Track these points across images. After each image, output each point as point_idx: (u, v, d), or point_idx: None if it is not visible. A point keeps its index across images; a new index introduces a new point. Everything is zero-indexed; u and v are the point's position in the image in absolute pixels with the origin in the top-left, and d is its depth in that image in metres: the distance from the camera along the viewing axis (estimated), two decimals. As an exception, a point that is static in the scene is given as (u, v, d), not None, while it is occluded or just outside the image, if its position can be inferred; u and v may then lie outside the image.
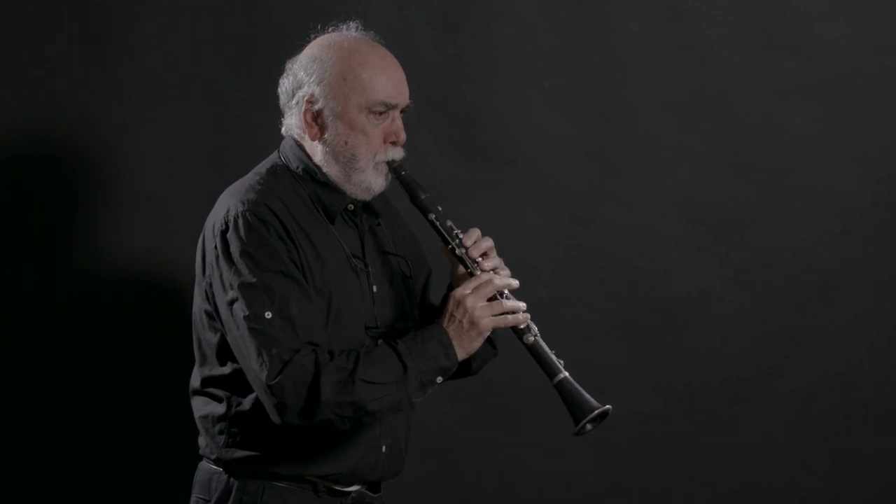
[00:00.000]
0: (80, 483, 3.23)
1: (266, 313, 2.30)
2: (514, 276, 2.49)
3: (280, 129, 2.56)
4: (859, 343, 3.42)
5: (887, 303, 3.42)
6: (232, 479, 2.46)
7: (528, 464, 3.39)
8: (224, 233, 2.38)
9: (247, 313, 2.31)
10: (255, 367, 2.30)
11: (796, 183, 3.39)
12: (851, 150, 3.38)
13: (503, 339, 2.68)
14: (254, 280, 2.32)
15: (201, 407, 2.50)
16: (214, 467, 2.49)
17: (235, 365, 2.41)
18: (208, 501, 2.48)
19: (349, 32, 2.53)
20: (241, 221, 2.37)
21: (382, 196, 2.59)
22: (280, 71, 2.53)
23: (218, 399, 2.47)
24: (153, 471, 3.22)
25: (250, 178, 2.49)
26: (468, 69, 3.33)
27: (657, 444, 3.41)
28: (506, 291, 2.44)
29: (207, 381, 2.48)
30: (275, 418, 2.32)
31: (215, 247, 2.39)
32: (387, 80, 2.46)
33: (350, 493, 2.53)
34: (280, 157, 2.54)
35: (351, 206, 2.53)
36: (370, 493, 2.58)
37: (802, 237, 3.39)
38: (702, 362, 3.40)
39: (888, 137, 3.38)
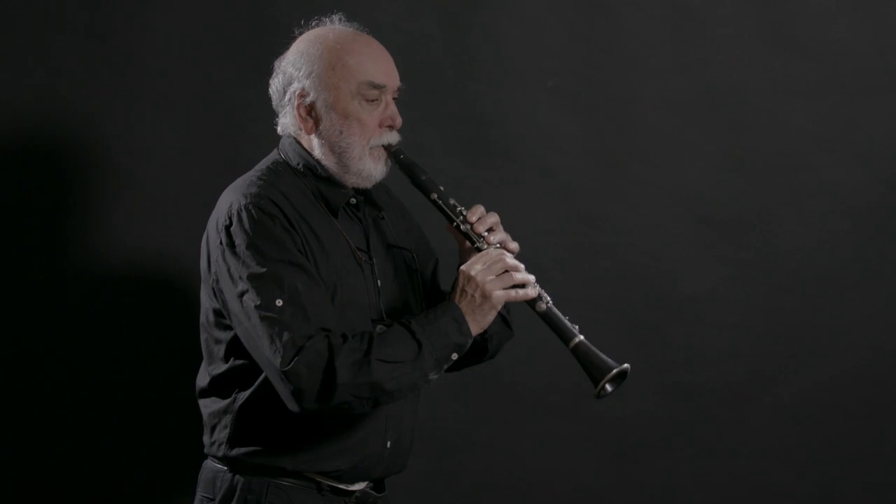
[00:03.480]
0: (85, 482, 3.21)
1: (277, 301, 2.29)
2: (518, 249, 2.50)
3: (276, 130, 2.57)
4: (866, 342, 3.41)
5: (894, 301, 3.41)
6: (237, 477, 2.44)
7: (533, 462, 3.38)
8: (228, 227, 2.37)
9: (258, 303, 2.29)
10: (268, 355, 2.29)
11: (803, 182, 3.39)
12: (858, 150, 3.38)
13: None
14: (262, 270, 2.31)
15: (209, 405, 2.49)
16: (219, 465, 2.47)
17: (239, 361, 2.40)
18: (213, 500, 2.46)
19: (333, 25, 2.55)
20: (244, 215, 2.36)
21: (386, 189, 2.60)
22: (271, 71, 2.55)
23: (225, 396, 2.45)
24: (158, 470, 3.21)
25: (251, 174, 2.50)
26: (476, 69, 3.34)
27: (663, 442, 3.40)
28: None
29: (215, 380, 2.47)
30: (292, 406, 2.29)
31: (220, 242, 2.38)
32: (375, 64, 2.47)
33: (354, 492, 2.50)
34: (280, 155, 2.54)
35: (353, 201, 2.53)
36: (374, 493, 2.56)
37: (809, 236, 3.39)
38: (708, 361, 3.39)
39: (895, 137, 3.37)
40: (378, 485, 2.59)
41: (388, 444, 2.50)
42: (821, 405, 3.41)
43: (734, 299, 3.38)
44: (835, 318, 3.40)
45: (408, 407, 2.53)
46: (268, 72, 2.61)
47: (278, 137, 2.57)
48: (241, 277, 2.33)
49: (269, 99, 2.58)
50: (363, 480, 2.52)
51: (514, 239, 2.55)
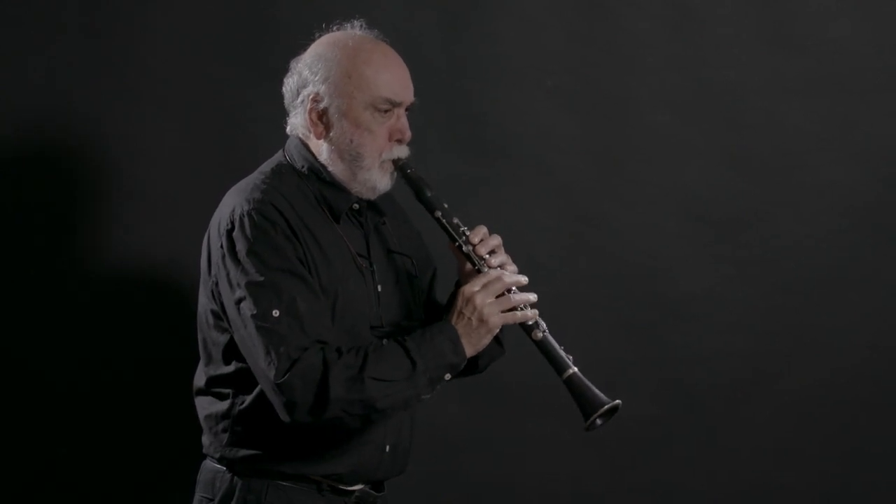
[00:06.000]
0: (84, 482, 3.22)
1: (274, 311, 2.29)
2: (518, 273, 2.49)
3: (285, 129, 2.56)
4: (864, 341, 3.41)
5: (892, 300, 3.41)
6: (236, 478, 2.44)
7: (533, 463, 3.38)
8: (230, 232, 2.37)
9: (254, 312, 2.30)
10: (263, 366, 2.29)
11: (801, 181, 3.39)
12: (856, 149, 3.38)
13: (510, 336, 2.67)
14: (261, 279, 2.31)
15: (206, 406, 2.49)
16: (218, 466, 2.47)
17: (240, 364, 2.40)
18: (212, 500, 2.46)
19: (353, 31, 2.54)
20: (246, 220, 2.36)
21: (388, 195, 2.59)
22: (286, 70, 2.53)
23: (222, 398, 2.46)
24: (157, 470, 3.21)
25: (255, 177, 2.49)
26: (474, 68, 3.34)
27: (662, 443, 3.40)
28: (513, 288, 2.44)
29: (212, 381, 2.47)
30: (284, 416, 2.31)
31: (221, 246, 2.38)
32: (392, 78, 2.46)
33: (354, 492, 2.51)
34: (285, 157, 2.54)
35: (356, 206, 2.53)
36: (373, 493, 2.57)
37: (806, 235, 3.39)
38: (705, 360, 3.39)
39: (893, 136, 3.38)
40: (377, 485, 2.59)
41: (387, 447, 2.51)
42: (819, 403, 3.41)
43: (732, 298, 3.38)
44: (833, 317, 3.40)
45: (406, 411, 2.53)
46: (268, 72, 2.62)
47: (280, 138, 2.57)
48: (239, 284, 2.33)
49: (270, 99, 2.59)
50: (363, 483, 2.53)
51: (512, 239, 2.55)
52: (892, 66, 3.36)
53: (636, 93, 3.37)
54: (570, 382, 2.42)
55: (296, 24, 2.65)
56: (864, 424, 3.42)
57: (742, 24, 3.36)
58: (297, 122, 2.52)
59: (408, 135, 2.50)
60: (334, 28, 2.55)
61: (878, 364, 3.41)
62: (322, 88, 2.45)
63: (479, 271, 2.47)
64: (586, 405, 2.40)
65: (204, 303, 2.48)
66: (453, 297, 2.47)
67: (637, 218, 3.38)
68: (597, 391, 2.41)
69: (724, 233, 3.39)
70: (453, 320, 2.40)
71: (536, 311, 2.45)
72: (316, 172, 2.49)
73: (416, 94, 2.54)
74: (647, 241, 3.38)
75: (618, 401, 2.41)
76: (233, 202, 2.41)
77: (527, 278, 2.46)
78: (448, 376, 2.39)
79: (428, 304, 2.72)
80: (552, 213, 3.37)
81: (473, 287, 2.41)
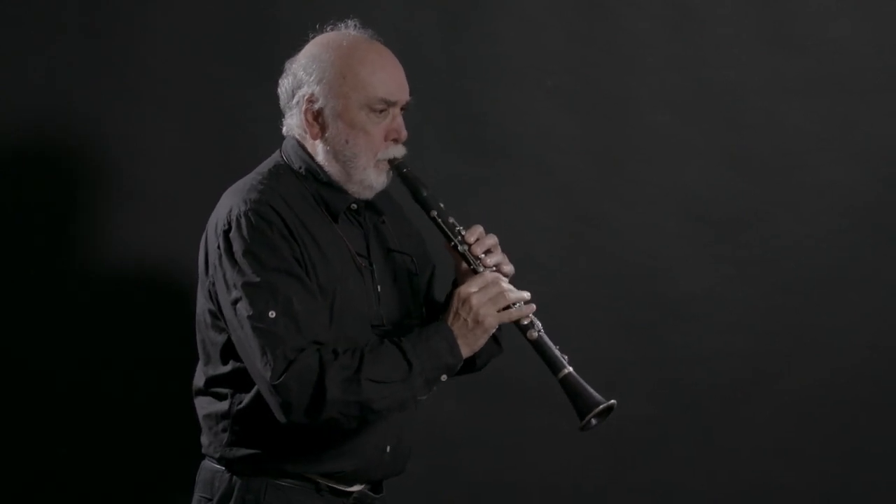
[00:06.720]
0: (83, 483, 3.22)
1: (270, 312, 2.29)
2: (517, 273, 2.50)
3: (281, 130, 2.56)
4: (863, 341, 3.40)
5: (892, 300, 3.41)
6: (235, 478, 2.45)
7: (531, 462, 3.38)
8: (227, 232, 2.37)
9: (251, 312, 2.30)
10: (259, 367, 2.30)
11: (801, 181, 3.38)
12: (856, 149, 3.37)
13: (508, 333, 2.67)
14: (257, 279, 2.31)
15: (205, 406, 2.49)
16: (217, 466, 2.48)
17: (237, 363, 2.41)
18: (211, 500, 2.47)
19: (347, 31, 2.53)
20: (243, 221, 2.36)
21: (387, 193, 2.59)
22: (281, 71, 2.53)
23: (221, 398, 2.46)
24: (156, 470, 3.21)
25: (252, 177, 2.49)
26: (474, 68, 3.34)
27: (662, 442, 3.40)
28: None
29: (211, 381, 2.48)
30: (280, 417, 2.31)
31: (218, 246, 2.38)
32: (387, 78, 2.46)
33: (353, 493, 2.52)
34: (282, 157, 2.54)
35: (354, 206, 2.53)
36: (372, 494, 2.57)
37: (806, 235, 3.39)
38: (705, 360, 3.39)
39: (893, 136, 3.38)
40: (376, 486, 2.60)
41: (388, 448, 2.52)
42: (819, 404, 3.41)
43: (731, 298, 3.38)
44: (832, 317, 3.40)
45: (407, 412, 2.52)
46: (268, 72, 2.61)
47: (279, 138, 2.57)
48: (235, 285, 2.33)
49: (270, 99, 2.58)
50: (362, 483, 2.54)
51: (512, 239, 2.56)
52: (892, 66, 3.36)
53: (636, 93, 3.37)
54: (566, 382, 2.42)
55: (295, 24, 2.64)
56: (864, 424, 3.41)
57: (742, 24, 3.36)
58: (292, 123, 2.52)
59: (403, 134, 2.50)
60: (328, 28, 2.55)
61: (878, 364, 3.41)
62: (317, 89, 2.45)
63: (475, 271, 2.47)
64: (581, 405, 2.41)
65: (202, 303, 2.49)
66: (449, 297, 2.48)
67: (637, 218, 3.38)
68: (592, 391, 2.41)
69: (724, 233, 3.39)
70: (449, 321, 2.41)
71: (533, 307, 2.45)
72: (313, 173, 2.49)
73: (416, 94, 2.54)
74: (647, 241, 3.38)
75: (612, 401, 2.41)
76: (230, 203, 2.41)
77: (528, 294, 2.46)
78: (444, 377, 2.39)
79: (426, 302, 2.72)
80: (552, 213, 3.37)
81: (470, 288, 2.41)
